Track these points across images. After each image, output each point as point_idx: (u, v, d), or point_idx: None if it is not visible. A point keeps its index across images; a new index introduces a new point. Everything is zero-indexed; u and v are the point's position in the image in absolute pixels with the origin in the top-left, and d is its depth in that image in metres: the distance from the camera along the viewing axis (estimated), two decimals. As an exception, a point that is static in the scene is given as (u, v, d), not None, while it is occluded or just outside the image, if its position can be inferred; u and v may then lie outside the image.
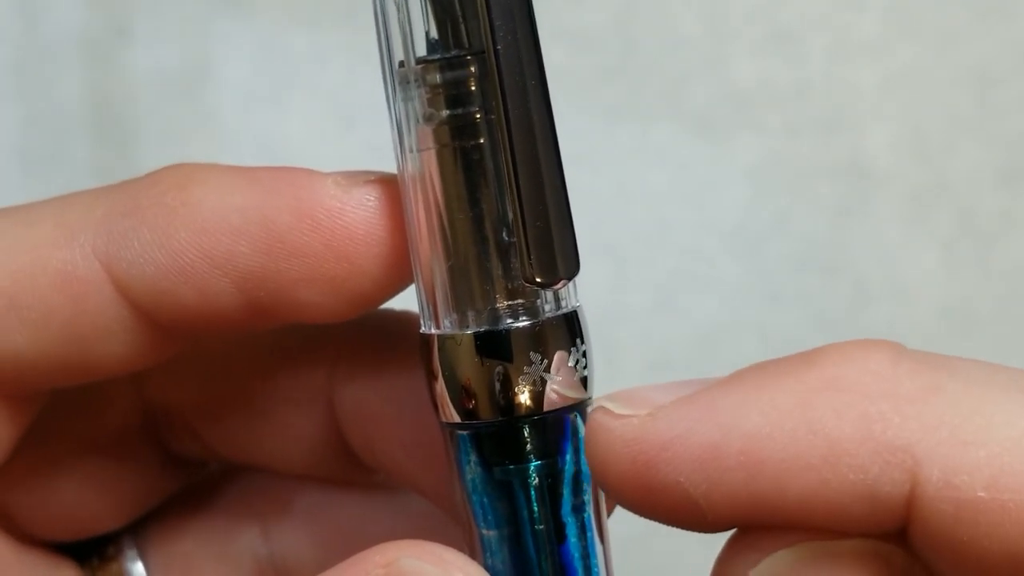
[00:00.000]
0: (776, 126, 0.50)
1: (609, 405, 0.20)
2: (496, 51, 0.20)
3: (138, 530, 0.28)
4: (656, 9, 0.50)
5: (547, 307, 0.21)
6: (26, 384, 0.23)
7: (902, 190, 0.50)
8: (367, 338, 0.25)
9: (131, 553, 0.27)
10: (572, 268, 0.21)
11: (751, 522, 0.20)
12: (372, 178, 0.22)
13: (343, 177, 0.22)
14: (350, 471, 0.27)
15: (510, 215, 0.20)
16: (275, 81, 0.51)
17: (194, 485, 0.28)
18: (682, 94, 0.50)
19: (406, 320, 0.25)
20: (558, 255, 0.20)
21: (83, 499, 0.26)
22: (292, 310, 0.23)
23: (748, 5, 0.50)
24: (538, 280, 0.20)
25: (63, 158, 0.50)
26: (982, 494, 0.18)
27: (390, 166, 0.23)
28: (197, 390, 0.26)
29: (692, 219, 0.50)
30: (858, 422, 0.19)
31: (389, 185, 0.22)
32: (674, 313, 0.50)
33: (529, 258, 0.20)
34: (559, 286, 0.21)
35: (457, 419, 0.21)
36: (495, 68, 0.20)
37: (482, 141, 0.20)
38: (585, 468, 0.21)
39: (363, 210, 0.22)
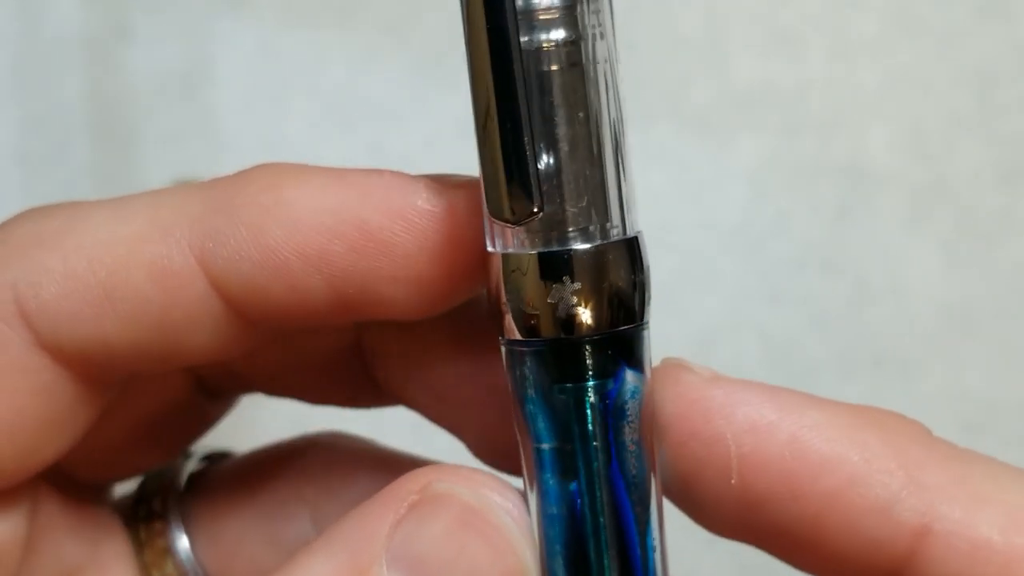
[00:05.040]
0: (776, 126, 0.50)
1: (686, 363, 0.23)
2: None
3: (185, 508, 0.28)
4: (656, 9, 0.50)
5: (615, 231, 0.22)
6: (113, 370, 0.24)
7: (902, 190, 0.50)
8: None
9: (178, 530, 0.28)
10: (522, 210, 0.21)
11: (763, 504, 0.22)
12: (462, 182, 0.23)
13: (433, 180, 0.23)
14: (377, 402, 0.28)
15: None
16: (275, 81, 0.51)
17: (243, 469, 0.29)
18: (682, 94, 0.50)
19: None
20: (505, 196, 0.21)
21: (124, 439, 0.27)
22: (376, 307, 0.23)
23: (748, 5, 0.50)
24: (491, 216, 0.21)
25: (63, 158, 0.51)
26: (997, 538, 0.21)
27: (390, 167, 0.23)
28: None
29: (692, 219, 0.50)
30: (896, 452, 0.21)
31: (476, 189, 0.22)
32: (674, 313, 0.50)
33: (486, 194, 0.21)
34: (513, 226, 0.21)
35: (518, 336, 0.22)
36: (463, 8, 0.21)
37: (554, 68, 0.21)
38: (640, 390, 0.22)
39: (454, 213, 0.23)
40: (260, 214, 0.23)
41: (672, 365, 0.23)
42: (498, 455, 0.25)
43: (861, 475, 0.21)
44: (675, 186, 0.50)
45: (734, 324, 0.50)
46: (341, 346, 0.27)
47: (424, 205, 0.23)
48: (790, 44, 0.50)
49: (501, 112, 0.21)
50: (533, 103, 0.21)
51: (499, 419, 0.24)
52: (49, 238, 0.23)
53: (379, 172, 0.23)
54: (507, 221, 0.21)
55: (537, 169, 0.21)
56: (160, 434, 0.28)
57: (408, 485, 0.21)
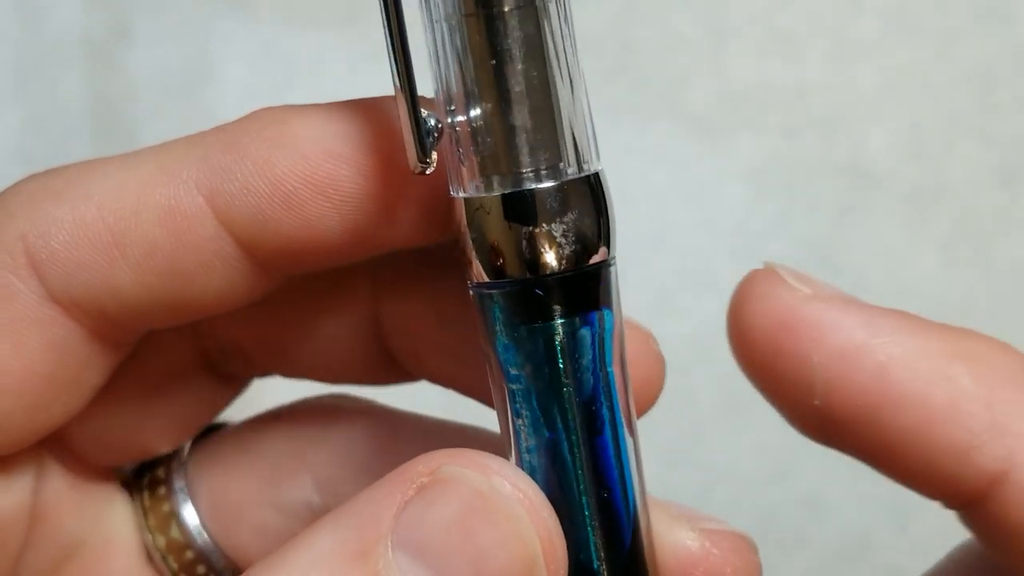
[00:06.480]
0: (776, 126, 0.50)
1: (780, 272, 0.22)
2: None
3: (189, 474, 0.28)
4: (656, 9, 0.50)
5: (570, 170, 0.22)
6: (126, 323, 0.24)
7: (902, 190, 0.50)
8: (408, 255, 0.26)
9: (182, 495, 0.28)
10: (416, 161, 0.22)
11: (845, 427, 0.22)
12: None
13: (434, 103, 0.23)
14: (396, 379, 0.27)
15: None
16: (275, 82, 0.51)
17: (245, 433, 0.29)
18: (682, 94, 0.50)
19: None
20: (407, 145, 0.22)
21: (137, 424, 0.27)
22: (387, 232, 0.23)
23: (748, 6, 0.50)
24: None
25: (64, 158, 0.50)
26: None
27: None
28: (246, 311, 0.26)
29: (692, 219, 0.50)
30: (986, 394, 0.21)
31: None
32: (674, 313, 0.50)
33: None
34: (422, 171, 0.22)
35: (485, 279, 0.22)
36: None
37: (507, 9, 0.21)
38: (609, 327, 0.22)
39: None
40: (267, 147, 0.23)
41: (766, 278, 0.23)
42: None
43: (944, 416, 0.21)
44: (675, 186, 0.50)
45: (734, 324, 0.51)
46: (358, 322, 0.26)
47: (431, 124, 0.22)
48: (790, 44, 0.50)
49: (395, 65, 0.21)
50: (454, 53, 0.21)
51: None
52: (58, 190, 0.23)
53: (382, 97, 0.23)
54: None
55: (419, 130, 0.21)
56: (169, 415, 0.28)
57: (418, 467, 0.21)
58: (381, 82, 0.22)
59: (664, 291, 0.50)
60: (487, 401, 0.26)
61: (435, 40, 0.22)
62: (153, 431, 0.27)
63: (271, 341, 0.27)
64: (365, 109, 0.23)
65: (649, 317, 0.24)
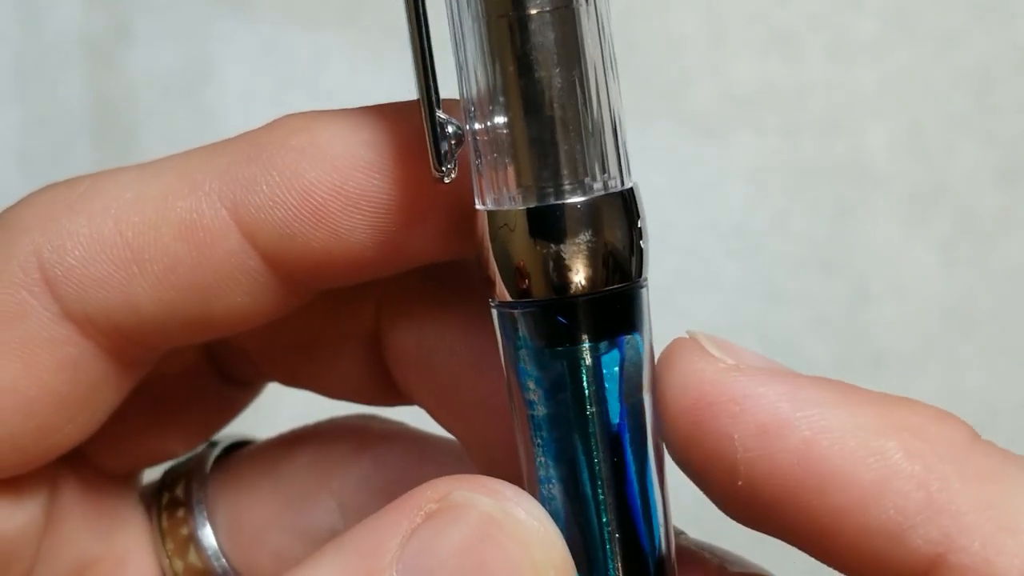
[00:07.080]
0: (776, 126, 0.50)
1: (702, 341, 0.21)
2: None
3: (210, 492, 0.27)
4: (656, 9, 0.50)
5: (596, 185, 0.21)
6: (144, 342, 0.23)
7: (902, 190, 0.50)
8: (415, 281, 0.25)
9: (201, 518, 0.27)
10: (435, 170, 0.21)
11: (771, 509, 0.20)
12: None
13: None
14: (395, 401, 0.27)
15: None
16: (275, 82, 0.51)
17: (268, 454, 0.28)
18: (682, 94, 0.50)
19: (453, 266, 0.24)
20: (431, 154, 0.21)
21: (151, 431, 0.27)
22: (421, 244, 0.22)
23: (747, 5, 0.50)
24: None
25: (63, 159, 0.50)
26: None
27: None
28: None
29: (692, 219, 0.50)
30: (921, 471, 0.19)
31: None
32: (674, 313, 0.50)
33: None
34: (440, 179, 0.21)
35: (508, 297, 0.21)
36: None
37: (533, 12, 0.20)
38: (639, 352, 0.21)
39: None
40: (293, 157, 0.22)
41: (687, 347, 0.21)
42: (496, 464, 0.24)
43: (874, 495, 0.19)
44: (675, 186, 0.50)
45: (734, 324, 0.50)
46: (359, 343, 0.26)
47: (450, 130, 0.21)
48: (789, 44, 0.50)
49: (416, 66, 0.21)
50: (481, 56, 0.20)
51: (500, 427, 0.23)
52: (74, 203, 0.22)
53: (409, 102, 0.22)
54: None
55: (436, 137, 0.21)
56: (179, 420, 0.27)
57: (427, 492, 0.20)
58: (382, 82, 0.22)
59: (664, 291, 0.50)
60: (462, 437, 0.25)
61: (460, 42, 0.21)
62: (167, 435, 0.27)
63: (274, 349, 0.26)
64: (392, 115, 0.22)
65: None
